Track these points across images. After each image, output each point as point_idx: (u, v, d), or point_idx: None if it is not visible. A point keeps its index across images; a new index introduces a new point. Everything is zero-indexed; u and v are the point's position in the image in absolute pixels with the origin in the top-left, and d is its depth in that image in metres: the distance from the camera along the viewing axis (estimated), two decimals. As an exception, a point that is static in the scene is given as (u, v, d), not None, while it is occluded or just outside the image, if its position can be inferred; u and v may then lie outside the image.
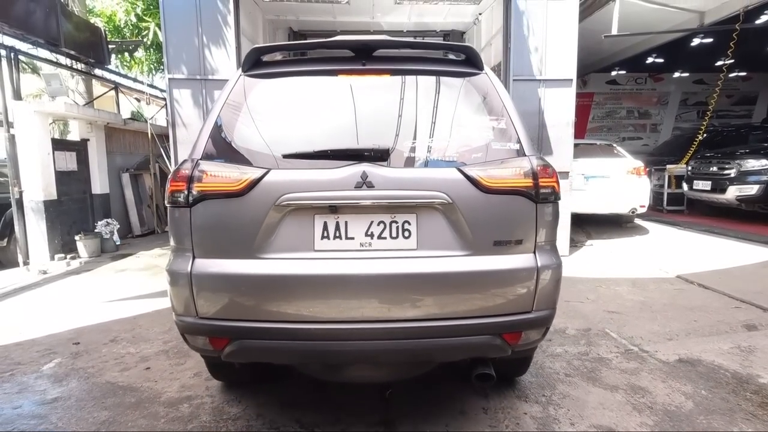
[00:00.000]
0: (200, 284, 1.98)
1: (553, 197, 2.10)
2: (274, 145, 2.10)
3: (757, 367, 2.98)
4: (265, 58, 2.35)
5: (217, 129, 2.16)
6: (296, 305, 1.99)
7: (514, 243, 2.05)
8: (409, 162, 2.10)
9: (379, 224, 2.02)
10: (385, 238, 2.02)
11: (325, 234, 2.01)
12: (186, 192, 1.99)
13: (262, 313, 1.99)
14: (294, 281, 1.97)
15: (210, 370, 2.69)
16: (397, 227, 2.02)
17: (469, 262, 2.01)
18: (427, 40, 8.53)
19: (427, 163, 2.13)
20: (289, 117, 2.27)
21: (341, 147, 2.11)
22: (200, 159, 2.07)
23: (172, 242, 2.09)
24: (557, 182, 2.11)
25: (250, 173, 1.99)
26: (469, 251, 2.01)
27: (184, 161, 2.10)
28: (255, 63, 2.32)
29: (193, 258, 2.01)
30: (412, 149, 2.13)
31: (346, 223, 2.02)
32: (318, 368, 2.37)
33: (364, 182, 1.98)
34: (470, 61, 2.34)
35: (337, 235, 2.01)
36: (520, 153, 2.12)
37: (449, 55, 2.47)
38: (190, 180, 1.99)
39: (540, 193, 2.05)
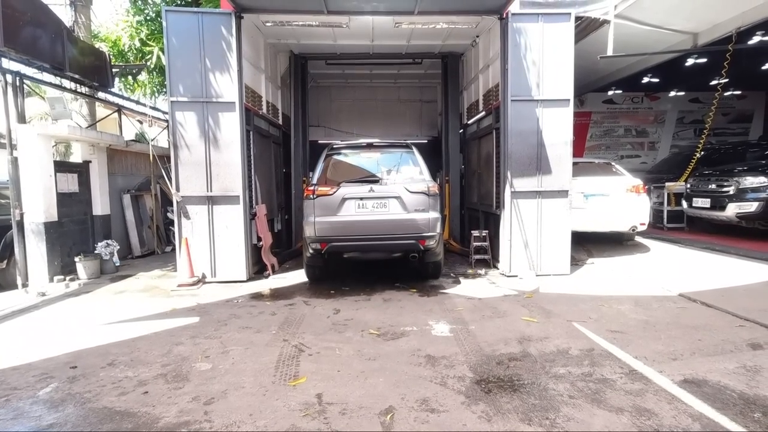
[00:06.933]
0: (318, 224, 5.48)
1: (435, 194, 5.60)
2: (340, 178, 5.74)
3: (764, 387, 2.94)
4: (335, 146, 6.27)
5: (322, 172, 5.82)
6: (349, 230, 5.50)
7: (423, 209, 5.53)
8: (387, 183, 5.73)
9: (376, 204, 5.53)
10: (378, 208, 5.53)
11: (358, 207, 5.53)
12: (313, 195, 5.50)
13: (338, 233, 5.51)
14: (349, 223, 5.50)
15: (307, 273, 6.20)
16: (382, 204, 5.53)
17: (407, 216, 5.52)
18: (421, 59, 8.76)
19: (393, 184, 5.69)
20: (345, 168, 6.01)
21: (364, 178, 5.76)
22: (316, 183, 5.64)
23: (305, 212, 5.56)
24: (439, 188, 5.74)
25: (334, 188, 5.53)
26: (407, 212, 5.52)
27: (311, 183, 5.67)
28: (331, 149, 6.18)
29: (315, 216, 5.48)
30: (388, 179, 5.82)
31: (365, 203, 5.52)
32: (355, 255, 5.96)
33: (371, 190, 5.55)
34: (409, 147, 6.21)
35: (363, 208, 5.52)
36: (425, 180, 5.74)
37: (403, 144, 6.35)
38: (314, 191, 5.50)
39: (430, 193, 5.57)
